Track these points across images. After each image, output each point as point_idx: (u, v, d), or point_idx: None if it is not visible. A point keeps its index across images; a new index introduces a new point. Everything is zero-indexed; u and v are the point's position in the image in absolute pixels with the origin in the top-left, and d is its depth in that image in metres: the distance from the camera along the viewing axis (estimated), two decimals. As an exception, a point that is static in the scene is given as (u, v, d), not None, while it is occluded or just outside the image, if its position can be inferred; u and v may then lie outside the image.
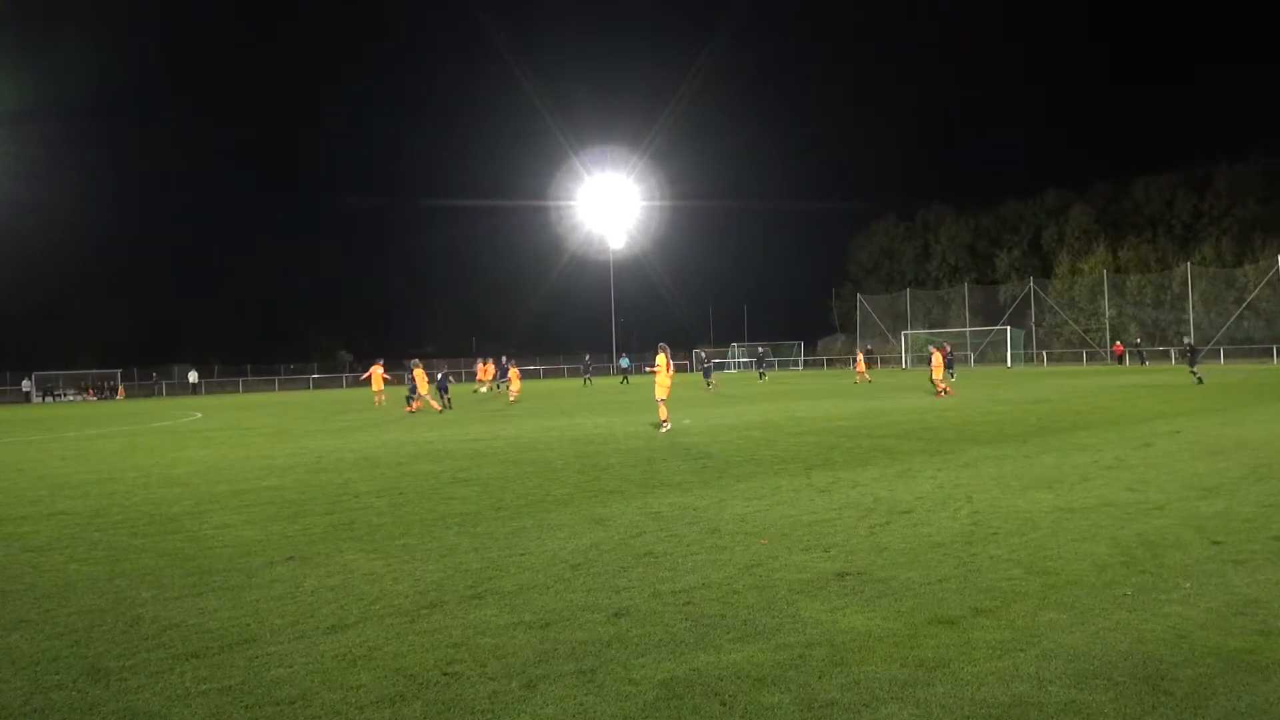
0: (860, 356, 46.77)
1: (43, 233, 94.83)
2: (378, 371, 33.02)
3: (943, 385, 28.54)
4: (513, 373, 35.51)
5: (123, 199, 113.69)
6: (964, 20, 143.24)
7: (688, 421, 21.00)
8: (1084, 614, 5.31)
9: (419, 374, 29.31)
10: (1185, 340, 38.24)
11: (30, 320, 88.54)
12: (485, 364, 42.60)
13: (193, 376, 71.26)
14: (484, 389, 38.04)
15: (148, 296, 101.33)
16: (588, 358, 58.86)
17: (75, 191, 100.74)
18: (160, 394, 68.83)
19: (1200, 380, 31.69)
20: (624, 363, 57.81)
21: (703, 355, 46.47)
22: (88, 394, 65.83)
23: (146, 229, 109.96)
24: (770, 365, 67.12)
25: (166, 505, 10.68)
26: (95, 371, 70.29)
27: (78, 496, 11.69)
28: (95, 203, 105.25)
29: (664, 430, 18.06)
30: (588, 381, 54.48)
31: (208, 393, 69.00)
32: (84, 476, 13.98)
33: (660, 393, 18.37)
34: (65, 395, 64.88)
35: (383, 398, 33.22)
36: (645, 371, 51.53)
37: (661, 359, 18.65)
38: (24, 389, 64.53)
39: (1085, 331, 70.60)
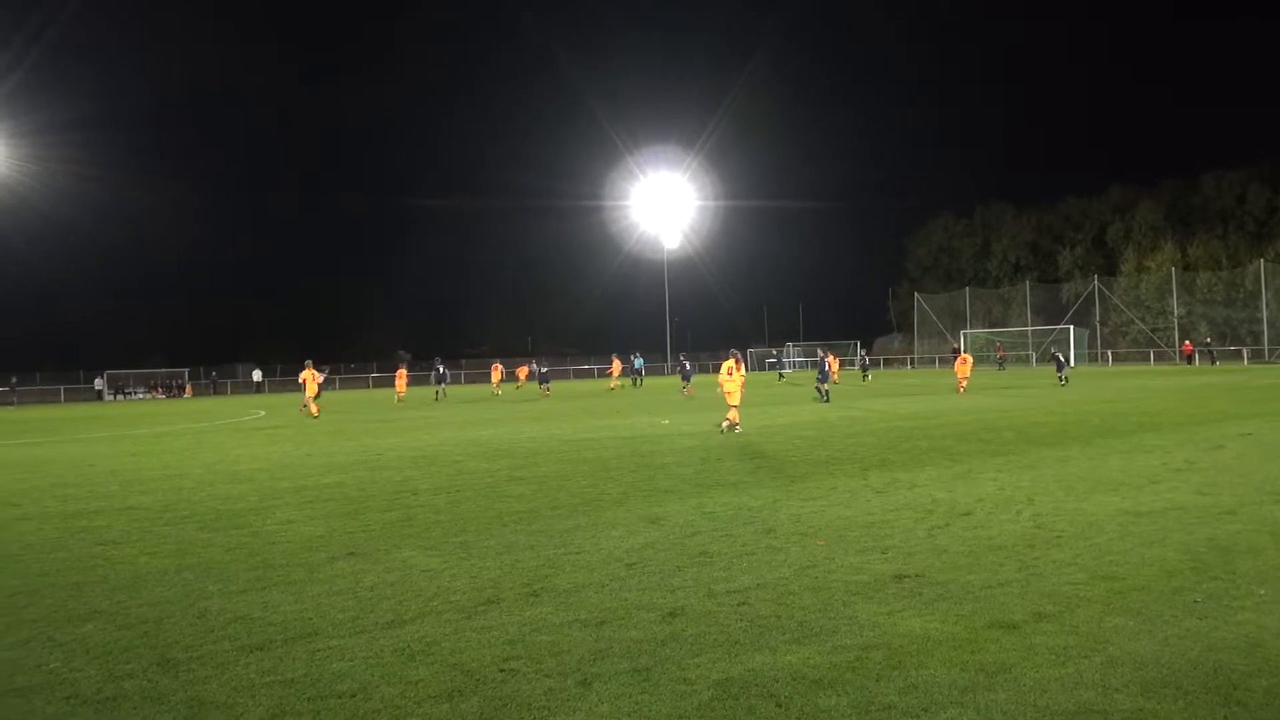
0: (496, 368, 47.07)
1: (114, 237, 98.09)
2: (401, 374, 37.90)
3: (964, 384, 31.81)
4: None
5: (190, 203, 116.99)
6: (1024, 13, 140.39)
7: (666, 422, 21.32)
8: (1152, 620, 5.17)
9: (308, 374, 28.43)
10: (1054, 351, 43.35)
11: (102, 321, 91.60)
12: (496, 365, 46.39)
13: (256, 375, 72.95)
14: (545, 388, 40.79)
15: (214, 298, 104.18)
16: (631, 357, 58.63)
17: (144, 197, 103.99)
18: (225, 392, 70.56)
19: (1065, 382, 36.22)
20: (638, 363, 54.62)
21: (681, 357, 46.12)
22: (157, 392, 67.76)
23: (213, 233, 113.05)
24: (791, 366, 66.15)
25: (232, 501, 10.94)
26: (164, 370, 72.31)
27: (148, 492, 12.04)
28: (163, 207, 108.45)
29: (736, 430, 17.80)
30: (637, 382, 54.50)
31: (271, 391, 70.51)
32: (153, 472, 14.39)
33: (727, 398, 18.30)
34: (135, 393, 66.85)
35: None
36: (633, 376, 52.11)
37: (728, 364, 18.66)
38: (96, 387, 66.61)
39: (1153, 330, 68.73)
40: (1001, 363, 63.92)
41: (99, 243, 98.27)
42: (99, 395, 65.36)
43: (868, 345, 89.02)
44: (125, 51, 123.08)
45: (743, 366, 18.73)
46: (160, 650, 5.22)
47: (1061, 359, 39.61)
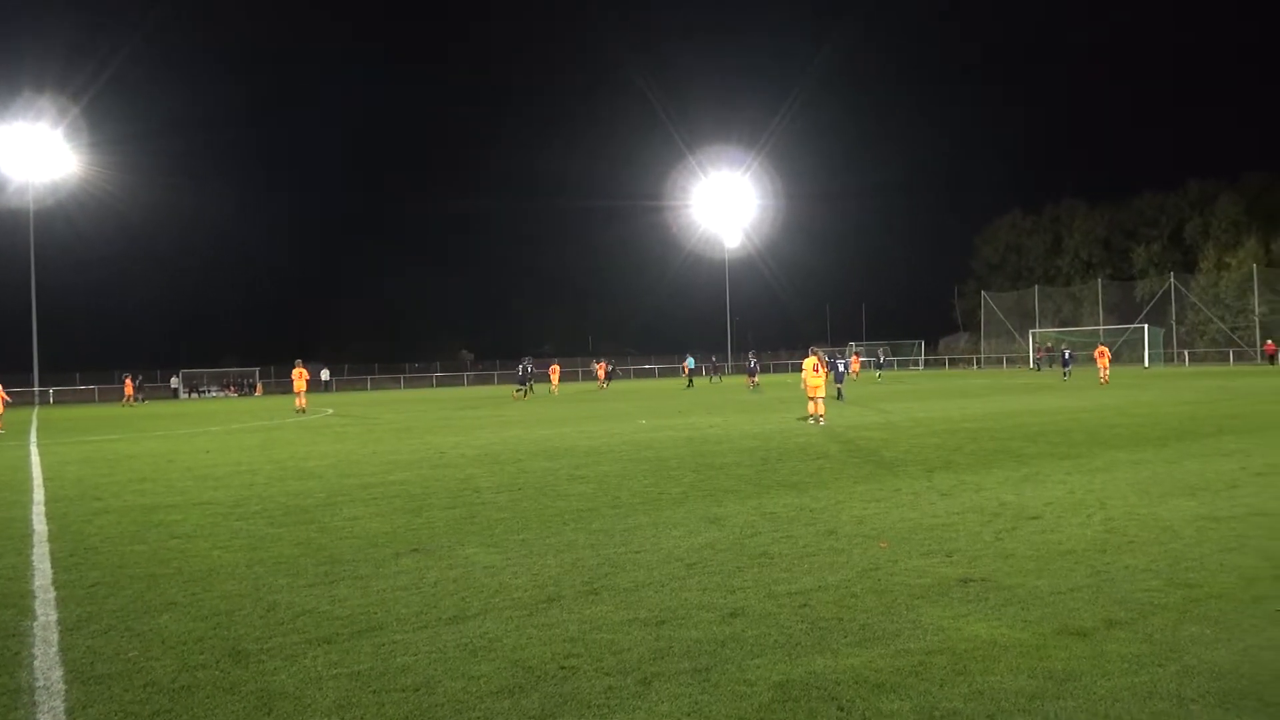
0: (602, 366, 54.89)
1: (188, 240, 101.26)
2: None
3: (1105, 375, 37.18)
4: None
5: (260, 206, 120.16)
6: (1095, 5, 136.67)
7: (643, 422, 21.47)
8: (1231, 629, 4.99)
9: (298, 372, 33.73)
10: (1063, 348, 48.17)
11: (179, 321, 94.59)
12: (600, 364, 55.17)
13: (324, 375, 74.51)
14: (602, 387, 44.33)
15: (284, 299, 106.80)
16: (713, 359, 58.60)
17: (217, 201, 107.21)
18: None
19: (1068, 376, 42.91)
20: (690, 363, 53.35)
21: (751, 354, 46.55)
22: (229, 390, 69.67)
23: (283, 235, 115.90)
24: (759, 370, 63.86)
25: (300, 497, 11.19)
26: (236, 369, 74.29)
27: (220, 487, 12.38)
28: (235, 210, 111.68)
29: (820, 422, 19.50)
30: (715, 379, 54.84)
31: (338, 390, 72.01)
32: (226, 469, 14.79)
33: (810, 391, 20.13)
34: (209, 392, 68.83)
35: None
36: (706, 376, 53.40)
37: (809, 361, 20.47)
38: (172, 386, 68.73)
39: (1232, 330, 66.36)
40: (1039, 363, 62.21)
41: (174, 245, 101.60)
42: (175, 393, 67.42)
43: (933, 345, 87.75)
44: (198, 59, 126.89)
45: (824, 364, 20.65)
46: (232, 642, 5.36)
47: (1068, 355, 45.08)
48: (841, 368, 31.89)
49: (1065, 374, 43.93)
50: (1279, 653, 4.61)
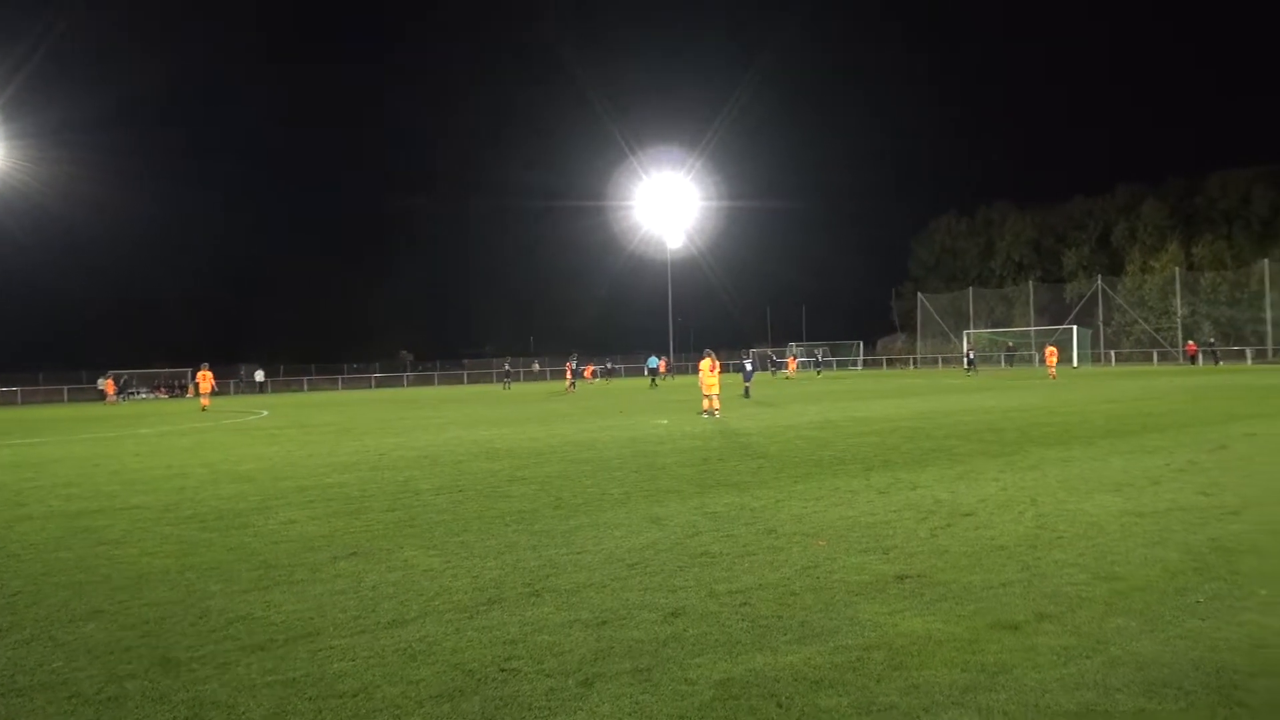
0: (589, 369, 61.89)
1: (117, 237, 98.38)
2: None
3: (1054, 371, 42.27)
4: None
5: (191, 203, 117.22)
6: (1028, 11, 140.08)
7: (664, 421, 21.66)
8: (1153, 621, 5.16)
9: (204, 374, 36.98)
10: (967, 348, 59.30)
11: (106, 321, 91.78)
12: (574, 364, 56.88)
13: (259, 375, 73.02)
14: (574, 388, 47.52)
15: (217, 299, 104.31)
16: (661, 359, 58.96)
17: (146, 197, 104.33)
18: (228, 392, 70.60)
19: (974, 373, 52.39)
20: (652, 363, 54.45)
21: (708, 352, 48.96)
22: (160, 392, 67.82)
23: (215, 233, 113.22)
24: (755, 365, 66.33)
25: (234, 501, 10.95)
26: (167, 370, 72.35)
27: (150, 491, 12.05)
28: (165, 207, 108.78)
29: (715, 416, 21.76)
30: (655, 383, 54.85)
31: (274, 391, 70.65)
32: (156, 472, 14.39)
33: (705, 389, 22.61)
34: (139, 394, 66.90)
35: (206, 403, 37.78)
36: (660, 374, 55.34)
37: (706, 362, 22.93)
38: (100, 387, 66.63)
39: (1156, 331, 68.60)
40: (971, 364, 63.33)
41: (102, 243, 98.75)
42: (103, 395, 65.41)
43: (871, 346, 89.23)
44: (127, 51, 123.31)
45: (718, 365, 23.29)
46: (162, 650, 5.23)
47: (973, 356, 55.97)
48: (750, 368, 34.58)
49: (972, 371, 52.38)
50: (1199, 643, 4.78)
